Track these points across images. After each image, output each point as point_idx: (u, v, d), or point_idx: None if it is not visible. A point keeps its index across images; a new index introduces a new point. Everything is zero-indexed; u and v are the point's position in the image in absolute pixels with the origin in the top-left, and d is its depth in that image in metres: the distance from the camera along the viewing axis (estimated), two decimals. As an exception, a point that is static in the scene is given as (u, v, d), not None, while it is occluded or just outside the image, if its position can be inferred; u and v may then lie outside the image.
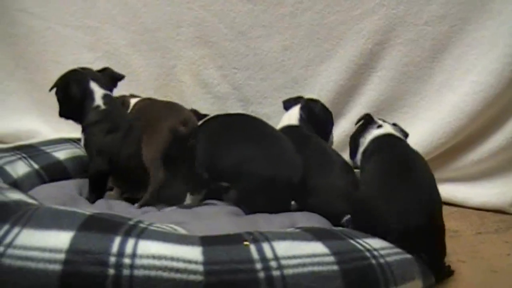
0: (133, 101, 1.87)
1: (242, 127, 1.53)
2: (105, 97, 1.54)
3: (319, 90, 2.12)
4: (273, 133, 1.52)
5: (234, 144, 1.45)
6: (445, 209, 1.82)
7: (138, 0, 2.17)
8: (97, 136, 1.48)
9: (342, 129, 2.13)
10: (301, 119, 1.73)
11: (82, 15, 2.21)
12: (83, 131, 1.52)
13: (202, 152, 1.50)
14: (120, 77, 1.64)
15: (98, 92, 1.53)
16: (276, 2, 2.10)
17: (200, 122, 1.61)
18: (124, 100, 1.87)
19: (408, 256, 1.09)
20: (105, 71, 1.64)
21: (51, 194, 1.40)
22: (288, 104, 1.82)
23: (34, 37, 2.23)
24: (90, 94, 1.53)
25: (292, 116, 1.75)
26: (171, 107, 1.64)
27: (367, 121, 1.54)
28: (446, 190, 1.96)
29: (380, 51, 2.07)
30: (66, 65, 2.15)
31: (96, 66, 2.17)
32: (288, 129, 1.68)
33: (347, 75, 2.10)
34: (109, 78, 1.62)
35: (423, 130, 2.02)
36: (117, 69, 2.13)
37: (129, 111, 1.83)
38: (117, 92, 1.69)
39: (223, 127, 1.54)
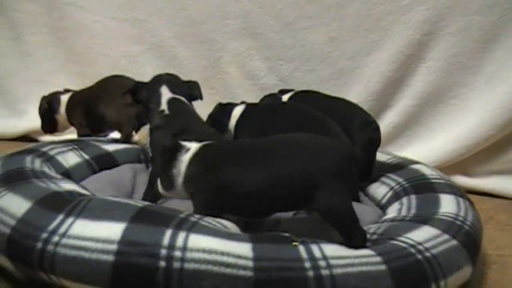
0: (64, 97, 2.06)
1: (284, 113, 1.60)
2: (171, 102, 1.53)
3: (366, 81, 2.20)
4: (319, 118, 1.57)
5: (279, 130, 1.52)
6: (495, 202, 1.91)
7: (185, -8, 2.29)
8: (159, 140, 1.49)
9: (389, 121, 2.21)
10: None
11: (129, 8, 2.34)
12: (150, 133, 1.56)
13: None
14: (196, 97, 1.64)
15: (165, 95, 1.54)
16: (322, -7, 2.19)
17: (236, 115, 1.71)
18: (51, 98, 2.05)
19: (454, 243, 1.09)
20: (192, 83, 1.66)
21: (103, 183, 1.50)
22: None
23: (83, 30, 2.37)
24: (157, 98, 1.54)
25: None
26: None
27: None
28: (496, 183, 2.04)
29: (428, 41, 2.13)
30: (114, 58, 2.32)
31: (143, 58, 2.34)
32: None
33: (394, 66, 2.17)
34: (189, 91, 1.63)
35: (472, 122, 2.09)
36: (163, 61, 2.30)
37: (62, 108, 2.03)
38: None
39: (264, 121, 1.62)
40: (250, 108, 1.72)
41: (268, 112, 1.67)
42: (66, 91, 2.12)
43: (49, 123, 2.07)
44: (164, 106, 1.52)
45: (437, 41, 2.12)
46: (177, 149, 1.19)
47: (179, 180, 1.17)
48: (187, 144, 1.21)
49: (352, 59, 2.22)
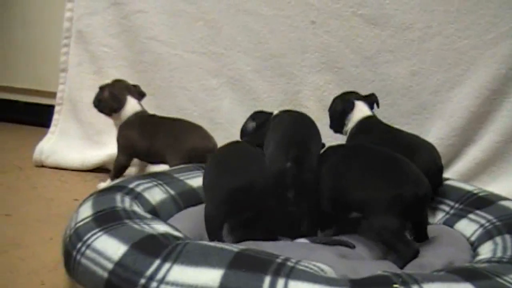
0: (130, 106, 2.20)
1: (362, 156, 1.62)
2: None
3: (449, 116, 2.24)
4: (392, 155, 1.59)
5: (359, 174, 1.54)
6: None
7: (263, 26, 2.39)
8: None
9: (472, 157, 2.23)
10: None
11: (208, 41, 2.45)
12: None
13: (325, 187, 1.59)
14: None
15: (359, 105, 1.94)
16: (404, 27, 2.25)
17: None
18: (120, 98, 2.17)
19: None
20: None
21: (190, 222, 1.54)
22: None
23: (162, 64, 2.49)
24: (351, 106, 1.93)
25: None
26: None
27: None
28: None
29: (514, 75, 2.16)
30: (192, 91, 2.44)
31: (221, 91, 2.44)
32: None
33: (478, 101, 2.20)
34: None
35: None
36: (241, 94, 2.40)
37: (123, 113, 2.17)
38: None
39: (343, 159, 1.64)
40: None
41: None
42: (135, 87, 2.25)
43: (102, 111, 2.24)
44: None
45: (524, 76, 2.14)
46: None
47: None
48: None
49: (434, 94, 2.26)
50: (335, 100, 2.01)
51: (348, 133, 1.96)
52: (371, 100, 1.99)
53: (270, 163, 1.52)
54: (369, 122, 1.92)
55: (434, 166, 1.74)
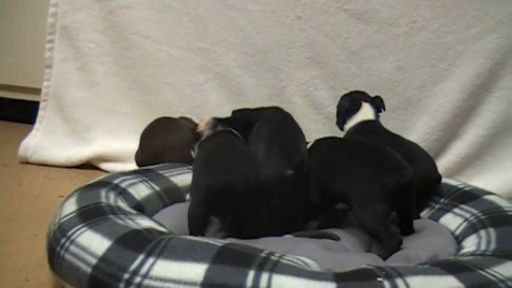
0: None
1: (346, 147, 1.67)
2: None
3: (434, 111, 2.25)
4: (376, 145, 1.62)
5: (344, 164, 1.57)
6: None
7: (250, 22, 2.39)
8: None
9: (457, 151, 2.25)
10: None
11: (194, 37, 2.44)
12: None
13: (313, 179, 1.60)
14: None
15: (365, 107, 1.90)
16: (389, 22, 2.26)
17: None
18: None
19: None
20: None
21: (175, 218, 1.54)
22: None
23: (148, 59, 2.48)
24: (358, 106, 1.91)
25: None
26: None
27: None
28: None
29: (499, 70, 2.18)
30: (178, 86, 2.43)
31: (207, 87, 2.45)
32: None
33: (463, 96, 2.22)
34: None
35: (546, 152, 2.10)
36: (227, 90, 2.40)
37: None
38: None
39: (329, 151, 1.66)
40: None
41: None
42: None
43: None
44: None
45: (509, 70, 2.17)
46: None
47: None
48: None
49: (420, 89, 2.28)
50: (344, 97, 2.00)
51: (345, 132, 1.95)
52: (377, 103, 1.98)
53: (266, 167, 1.49)
54: (369, 126, 1.92)
55: (433, 175, 1.78)
